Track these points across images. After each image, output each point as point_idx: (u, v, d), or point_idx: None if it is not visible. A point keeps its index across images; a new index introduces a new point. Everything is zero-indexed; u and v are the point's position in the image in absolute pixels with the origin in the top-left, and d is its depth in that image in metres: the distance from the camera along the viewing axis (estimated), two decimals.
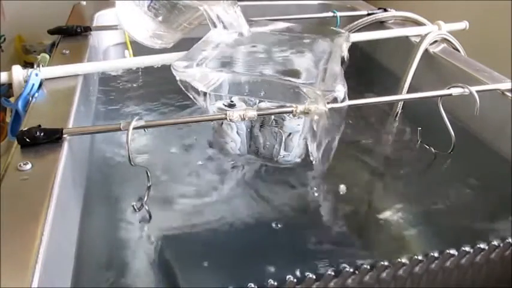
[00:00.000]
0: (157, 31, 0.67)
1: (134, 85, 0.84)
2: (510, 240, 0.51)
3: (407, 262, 0.48)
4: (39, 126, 0.48)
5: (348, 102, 0.53)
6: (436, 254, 0.49)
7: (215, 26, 0.66)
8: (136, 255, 0.48)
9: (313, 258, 0.48)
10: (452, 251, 0.50)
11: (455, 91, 0.59)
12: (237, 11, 0.66)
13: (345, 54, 0.66)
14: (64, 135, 0.48)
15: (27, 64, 0.80)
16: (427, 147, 0.64)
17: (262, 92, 0.55)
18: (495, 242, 0.51)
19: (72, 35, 0.82)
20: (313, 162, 0.57)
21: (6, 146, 0.55)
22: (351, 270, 0.46)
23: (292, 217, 0.54)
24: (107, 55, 0.96)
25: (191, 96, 0.57)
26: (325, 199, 0.58)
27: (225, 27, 0.66)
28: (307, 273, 0.45)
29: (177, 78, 0.56)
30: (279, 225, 0.52)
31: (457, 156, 0.61)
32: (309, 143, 0.58)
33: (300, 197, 0.57)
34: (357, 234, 0.53)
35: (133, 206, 0.52)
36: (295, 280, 0.45)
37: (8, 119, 0.59)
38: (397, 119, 0.75)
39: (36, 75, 0.61)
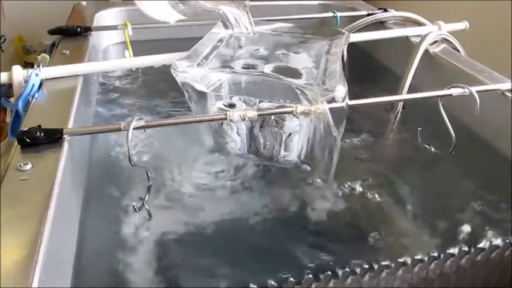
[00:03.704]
0: (165, 9, 0.67)
1: (134, 85, 0.84)
2: (510, 240, 0.51)
3: (408, 262, 0.48)
4: (39, 126, 0.48)
5: (348, 102, 0.53)
6: (436, 254, 0.49)
7: (233, 29, 0.67)
8: (136, 255, 0.48)
9: (313, 258, 0.48)
10: (452, 251, 0.50)
11: (455, 91, 0.59)
12: (248, 13, 0.67)
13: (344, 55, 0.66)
14: (64, 135, 0.48)
15: (28, 64, 0.80)
16: (427, 147, 0.64)
17: (263, 92, 0.55)
18: (495, 242, 0.51)
19: (72, 35, 0.82)
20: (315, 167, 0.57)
21: (6, 146, 0.55)
22: (351, 270, 0.46)
23: (292, 217, 0.54)
24: (107, 55, 0.96)
25: (188, 101, 0.57)
26: (326, 199, 0.58)
27: (237, 27, 0.67)
28: (307, 273, 0.45)
29: (177, 78, 0.56)
30: (279, 225, 0.52)
31: (457, 156, 0.61)
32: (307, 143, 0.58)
33: (300, 197, 0.57)
34: (357, 234, 0.53)
35: (133, 206, 0.52)
36: (295, 280, 0.45)
37: (8, 119, 0.59)
38: (397, 119, 0.75)
39: (37, 75, 0.61)
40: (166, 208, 0.54)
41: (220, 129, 0.59)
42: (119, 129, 0.48)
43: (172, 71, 0.56)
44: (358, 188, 0.59)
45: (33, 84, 0.59)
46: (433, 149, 0.64)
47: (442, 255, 0.49)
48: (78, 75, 0.65)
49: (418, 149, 0.66)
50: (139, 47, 0.83)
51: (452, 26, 0.87)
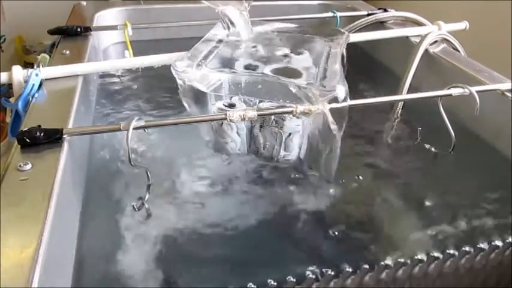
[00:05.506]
0: None
1: (134, 85, 0.84)
2: (510, 240, 0.51)
3: (408, 262, 0.48)
4: (39, 126, 0.48)
5: (348, 102, 0.53)
6: (436, 254, 0.49)
7: (229, 29, 0.67)
8: (136, 254, 0.48)
9: (313, 258, 0.48)
10: (452, 251, 0.50)
11: (455, 91, 0.59)
12: (247, 13, 0.67)
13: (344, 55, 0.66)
14: (64, 135, 0.48)
15: (28, 64, 0.80)
16: (427, 147, 0.64)
17: (263, 93, 0.55)
18: (495, 242, 0.51)
19: (72, 35, 0.82)
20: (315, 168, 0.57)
21: (6, 146, 0.55)
22: (351, 270, 0.46)
23: (292, 217, 0.54)
24: (107, 55, 0.96)
25: (185, 104, 0.57)
26: (325, 199, 0.58)
27: (233, 27, 0.67)
28: (307, 273, 0.45)
29: (177, 79, 0.56)
30: (279, 225, 0.52)
31: (457, 156, 0.61)
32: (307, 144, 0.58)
33: (299, 197, 0.57)
34: (357, 234, 0.53)
35: (133, 205, 0.52)
36: (295, 280, 0.45)
37: (8, 119, 0.59)
38: (397, 119, 0.75)
39: (36, 75, 0.61)
40: (166, 208, 0.54)
41: (220, 129, 0.59)
42: (119, 129, 0.48)
43: (172, 71, 0.56)
44: (359, 188, 0.60)
45: (33, 84, 0.59)
46: (433, 149, 0.64)
47: (442, 255, 0.49)
48: (78, 75, 0.65)
49: (418, 148, 0.66)
50: (139, 47, 0.83)
51: (452, 26, 0.87)
